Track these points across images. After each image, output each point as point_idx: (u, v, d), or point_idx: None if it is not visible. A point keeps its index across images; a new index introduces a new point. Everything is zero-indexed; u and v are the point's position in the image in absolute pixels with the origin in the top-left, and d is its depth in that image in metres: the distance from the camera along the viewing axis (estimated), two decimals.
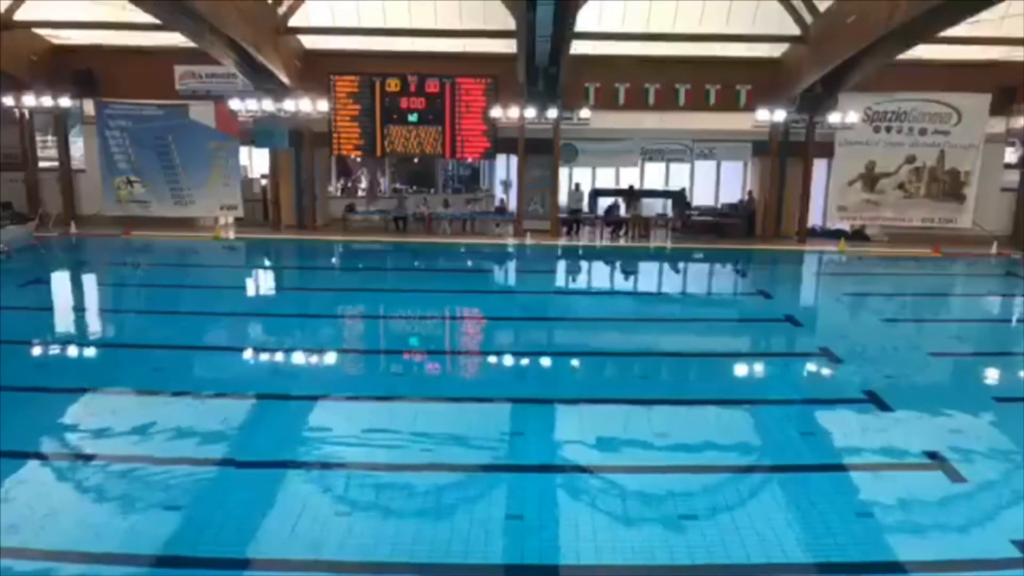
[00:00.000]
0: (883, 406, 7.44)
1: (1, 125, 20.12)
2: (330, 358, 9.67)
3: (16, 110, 19.68)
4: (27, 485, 5.80)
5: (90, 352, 10.01)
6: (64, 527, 5.11)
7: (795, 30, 17.96)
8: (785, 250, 19.36)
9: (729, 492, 5.65)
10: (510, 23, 16.54)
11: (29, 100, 19.05)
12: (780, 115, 19.03)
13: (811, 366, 9.59)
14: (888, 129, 19.66)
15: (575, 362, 9.49)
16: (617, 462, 6.20)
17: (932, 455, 6.23)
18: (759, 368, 9.71)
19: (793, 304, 14.27)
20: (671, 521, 5.13)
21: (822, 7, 17.18)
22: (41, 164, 20.97)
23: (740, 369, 9.46)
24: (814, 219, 20.88)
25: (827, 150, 20.04)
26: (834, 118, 18.91)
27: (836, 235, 20.26)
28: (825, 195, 20.72)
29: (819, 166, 20.55)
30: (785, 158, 20.19)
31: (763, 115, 19.13)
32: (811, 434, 6.99)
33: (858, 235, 20.63)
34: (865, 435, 6.86)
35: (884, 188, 20.01)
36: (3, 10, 17.19)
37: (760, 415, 7.44)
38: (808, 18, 17.66)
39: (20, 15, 17.57)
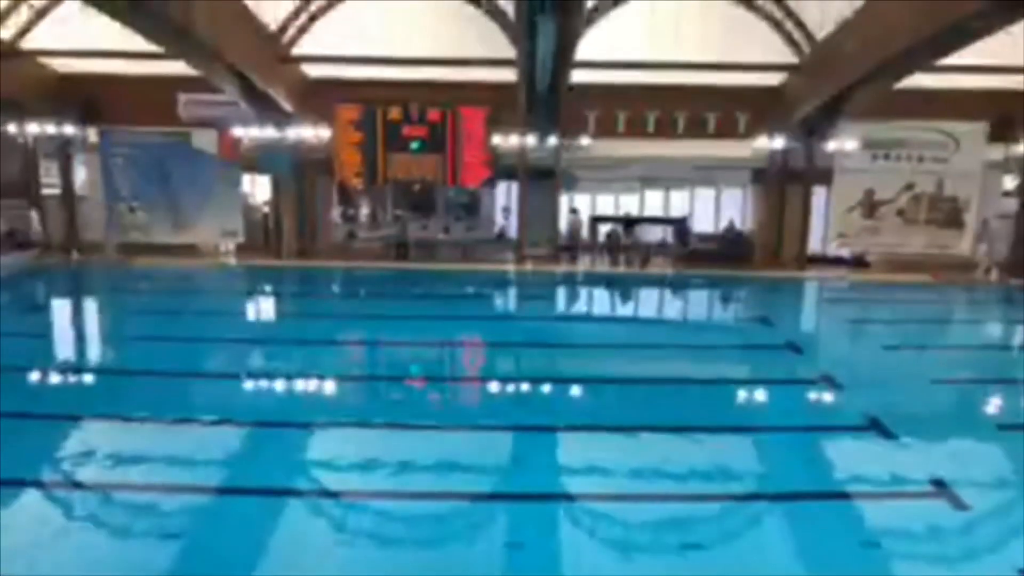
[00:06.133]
0: (885, 433, 7.38)
1: (4, 152, 20.25)
2: (329, 385, 9.62)
3: (20, 137, 19.82)
4: (21, 513, 5.74)
5: (86, 379, 9.97)
6: (60, 556, 5.06)
7: (793, 59, 18.16)
8: (785, 277, 19.35)
9: (731, 521, 5.58)
10: (511, 52, 16.74)
11: (33, 127, 19.20)
12: (779, 142, 19.16)
13: (812, 393, 9.52)
14: (887, 156, 19.77)
15: (575, 389, 9.43)
16: (617, 490, 6.14)
17: (936, 483, 6.16)
18: (759, 395, 9.64)
19: (793, 331, 14.22)
20: (673, 550, 5.07)
21: (820, 35, 17.37)
22: (44, 191, 21.05)
23: (740, 396, 9.39)
24: (813, 245, 20.91)
25: (826, 177, 20.13)
26: (832, 145, 19.03)
27: (836, 262, 20.27)
28: (825, 222, 20.77)
29: (818, 193, 20.62)
30: (785, 185, 20.28)
31: (762, 142, 19.25)
32: (812, 462, 6.93)
33: (859, 262, 20.65)
34: (867, 463, 6.79)
35: (883, 215, 20.07)
36: (9, 38, 17.40)
37: (761, 443, 7.38)
38: (806, 47, 17.86)
39: (26, 44, 17.79)
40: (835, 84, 16.71)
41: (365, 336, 13.05)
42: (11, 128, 19.22)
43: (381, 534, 5.37)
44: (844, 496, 6.14)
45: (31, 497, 5.99)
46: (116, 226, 20.12)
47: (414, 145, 19.42)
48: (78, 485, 6.16)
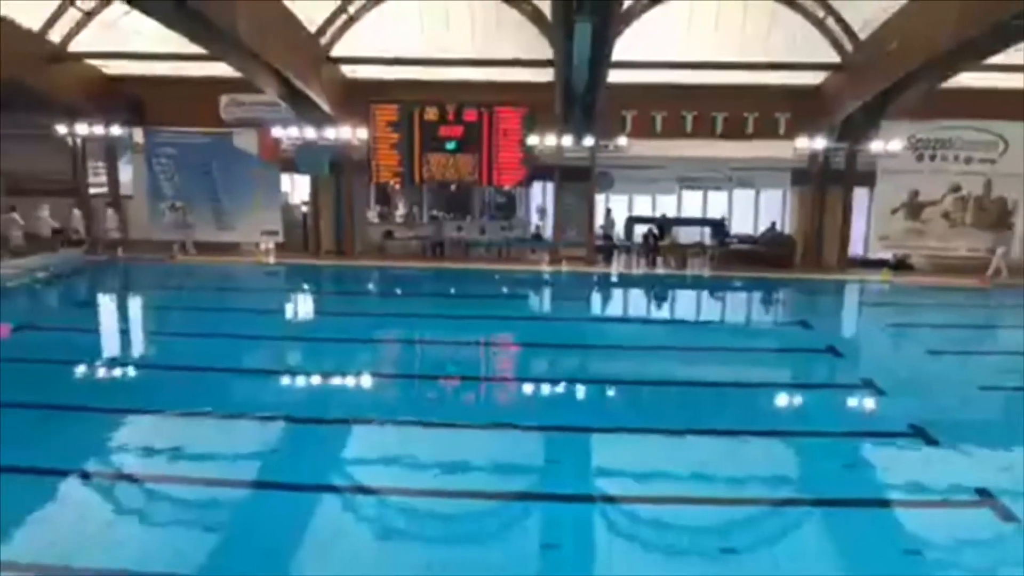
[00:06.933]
0: (930, 440, 7.22)
1: (54, 153, 20.83)
2: (366, 382, 9.73)
3: (69, 138, 20.37)
4: (69, 503, 5.90)
5: (131, 372, 10.21)
6: (103, 545, 5.19)
7: (835, 57, 17.84)
8: (825, 280, 19.03)
9: (769, 526, 5.52)
10: (548, 52, 16.73)
11: (82, 128, 19.72)
12: (820, 143, 18.85)
13: (853, 398, 9.36)
14: (932, 157, 19.33)
15: (611, 391, 9.39)
16: (654, 493, 6.10)
17: (982, 492, 6.01)
18: (799, 399, 9.50)
19: (834, 334, 13.97)
20: (710, 555, 5.02)
21: (863, 34, 17.05)
22: (91, 191, 21.60)
23: (779, 400, 9.27)
24: (855, 248, 20.53)
25: (869, 178, 19.75)
26: (876, 146, 18.67)
27: (878, 264, 19.88)
28: (867, 224, 20.38)
29: (860, 194, 20.25)
30: (825, 186, 19.96)
31: (803, 143, 18.96)
32: (853, 468, 6.81)
33: (902, 264, 20.22)
34: (911, 470, 6.66)
35: (929, 217, 19.63)
36: (58, 41, 17.89)
37: (800, 447, 7.28)
38: (848, 45, 17.54)
39: (74, 47, 18.27)
40: (879, 83, 16.39)
41: (401, 334, 13.16)
42: (61, 129, 19.75)
43: (415, 531, 5.41)
44: (886, 504, 6.02)
45: (78, 487, 6.16)
46: (161, 223, 20.54)
47: (450, 145, 19.51)
48: (123, 476, 6.31)
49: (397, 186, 22.13)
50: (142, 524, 5.52)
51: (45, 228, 20.57)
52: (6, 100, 18.84)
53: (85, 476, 6.33)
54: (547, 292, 18.46)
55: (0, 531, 5.20)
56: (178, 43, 14.94)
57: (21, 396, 8.27)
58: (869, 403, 9.02)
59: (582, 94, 16.97)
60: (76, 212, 21.12)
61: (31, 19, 17.14)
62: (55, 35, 17.78)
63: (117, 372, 10.24)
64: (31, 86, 17.74)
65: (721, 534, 5.31)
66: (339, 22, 18.03)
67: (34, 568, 4.84)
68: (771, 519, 5.64)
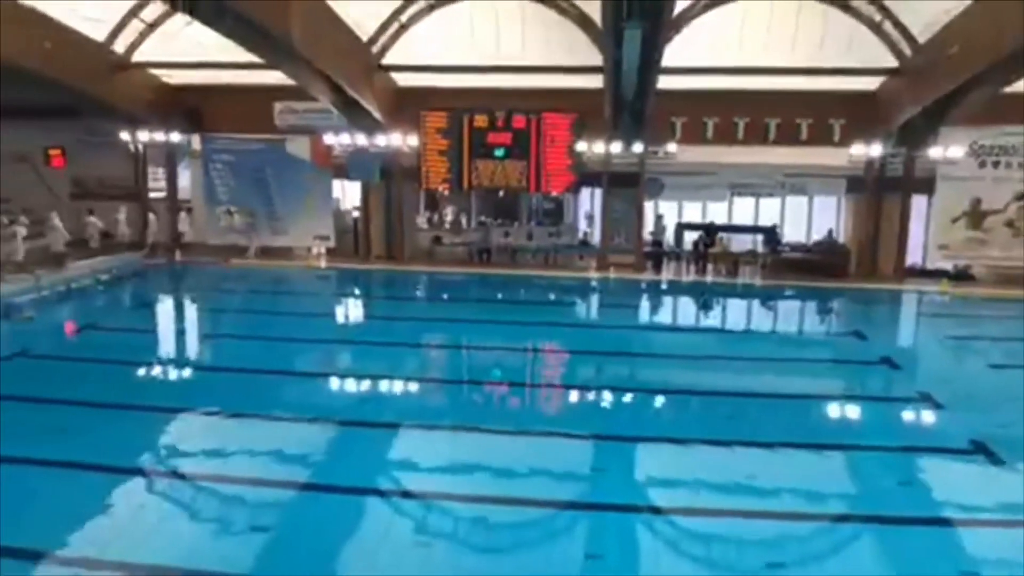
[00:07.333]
0: (992, 458, 6.97)
1: (119, 159, 21.61)
2: (413, 387, 9.82)
3: (131, 145, 21.09)
4: (126, 500, 6.09)
5: (186, 373, 10.51)
6: (158, 542, 5.35)
7: (892, 62, 17.38)
8: (881, 289, 18.52)
9: (818, 542, 5.39)
10: (597, 59, 16.67)
11: (143, 135, 20.41)
12: (876, 150, 18.37)
13: (910, 412, 9.09)
14: (995, 164, 18.67)
15: (659, 400, 9.30)
16: (701, 504, 6.02)
17: None
18: (853, 412, 9.27)
19: (890, 346, 13.58)
20: (757, 570, 4.93)
21: (922, 37, 16.57)
22: (151, 195, 22.29)
23: (832, 412, 9.06)
24: (912, 257, 19.92)
25: (927, 185, 19.17)
26: (935, 152, 18.11)
27: (937, 274, 19.26)
28: (925, 232, 19.77)
29: (918, 202, 19.65)
30: (882, 194, 19.43)
31: (858, 150, 18.51)
32: (910, 484, 6.61)
33: (962, 275, 19.55)
34: (971, 488, 6.44)
35: (991, 226, 18.95)
36: (122, 52, 18.54)
37: (854, 462, 7.10)
38: (907, 49, 17.07)
39: (137, 57, 18.92)
40: (939, 88, 15.88)
41: (449, 339, 13.26)
42: (124, 136, 20.46)
43: (459, 536, 5.43)
44: (944, 522, 5.84)
45: (135, 484, 6.35)
46: (216, 227, 21.09)
47: (499, 152, 19.59)
48: (176, 475, 6.49)
49: (446, 192, 22.32)
50: (193, 521, 5.67)
51: (122, 229, 21.25)
52: (75, 108, 19.74)
53: (141, 473, 6.52)
54: (594, 299, 18.37)
55: (63, 526, 5.40)
56: (235, 52, 15.36)
57: (81, 394, 8.59)
58: (927, 417, 8.75)
59: (631, 100, 16.87)
60: (122, 216, 21.66)
61: (97, 30, 17.79)
62: (119, 46, 18.42)
63: (172, 372, 10.55)
64: (97, 95, 18.45)
65: (768, 549, 5.22)
66: (391, 30, 18.27)
67: (98, 564, 5.00)
68: (820, 535, 5.51)
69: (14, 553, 5.02)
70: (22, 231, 16.74)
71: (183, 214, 21.86)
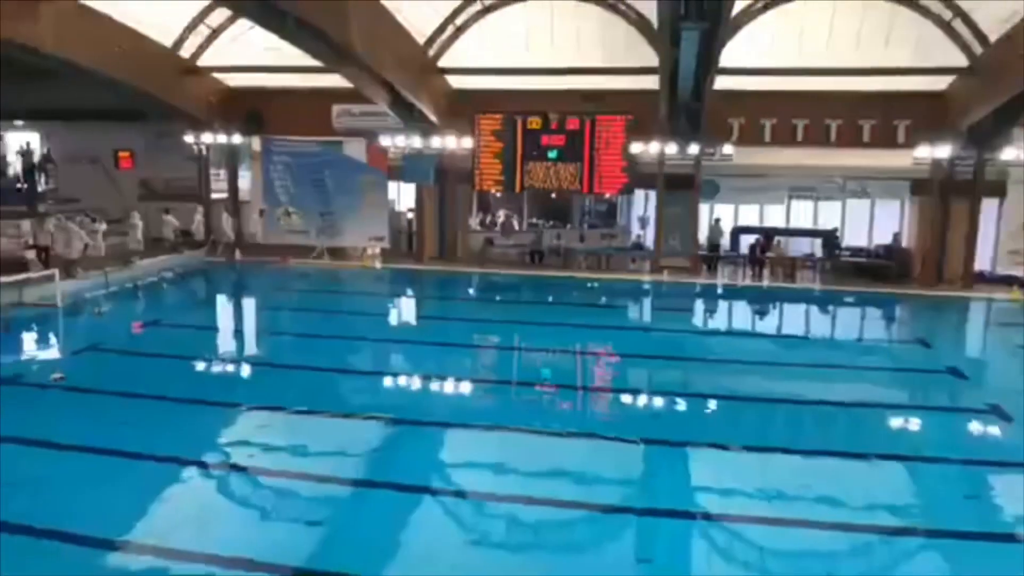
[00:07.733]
0: None
1: (183, 160, 22.32)
2: (465, 387, 9.88)
3: (195, 146, 21.75)
4: (186, 490, 6.29)
5: (245, 369, 10.78)
6: (216, 532, 5.50)
7: (962, 61, 16.76)
8: (947, 296, 17.86)
9: (878, 555, 5.24)
10: (653, 59, 16.51)
11: (207, 137, 21.03)
12: (943, 152, 17.74)
13: (978, 424, 8.76)
14: None
15: (713, 405, 9.16)
16: (755, 512, 5.90)
17: None
18: (916, 422, 8.96)
19: (957, 355, 13.10)
20: None
21: (993, 36, 15.94)
22: (213, 196, 22.95)
23: (894, 422, 8.77)
24: (981, 263, 19.16)
25: (998, 189, 18.44)
26: (1008, 155, 17.41)
27: (1007, 281, 18.48)
28: (996, 238, 19.00)
29: (987, 206, 18.90)
30: (949, 197, 18.76)
31: (924, 152, 17.91)
32: (976, 498, 6.37)
33: None
34: None
35: None
36: (188, 57, 19.15)
37: (917, 473, 6.88)
38: (977, 48, 16.45)
39: (202, 61, 19.52)
40: (1011, 88, 15.26)
41: (502, 341, 13.30)
42: (188, 138, 21.12)
43: (508, 536, 5.44)
44: (1012, 539, 5.60)
45: (195, 476, 6.54)
46: (275, 227, 21.57)
47: (552, 154, 19.58)
48: (235, 467, 6.66)
49: (498, 194, 22.41)
50: (250, 513, 5.81)
51: (201, 229, 22.07)
52: (143, 112, 20.48)
53: (202, 466, 6.72)
54: (647, 302, 18.18)
55: (124, 515, 5.60)
56: (294, 56, 15.73)
57: (145, 388, 8.89)
58: (995, 430, 8.41)
59: (687, 101, 16.66)
60: (199, 216, 22.43)
61: (165, 35, 18.42)
62: (185, 51, 19.03)
63: (231, 368, 10.84)
64: (164, 98, 19.14)
65: (825, 560, 5.09)
66: (447, 33, 18.43)
67: (158, 551, 5.17)
68: (881, 547, 5.35)
69: (81, 540, 5.23)
70: (102, 227, 17.64)
71: (255, 216, 22.41)
